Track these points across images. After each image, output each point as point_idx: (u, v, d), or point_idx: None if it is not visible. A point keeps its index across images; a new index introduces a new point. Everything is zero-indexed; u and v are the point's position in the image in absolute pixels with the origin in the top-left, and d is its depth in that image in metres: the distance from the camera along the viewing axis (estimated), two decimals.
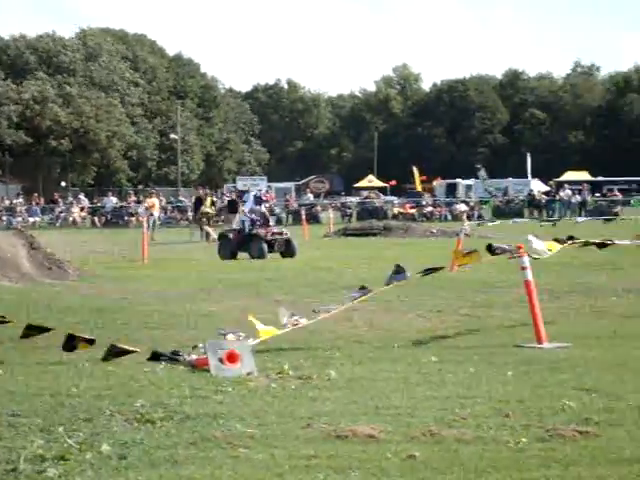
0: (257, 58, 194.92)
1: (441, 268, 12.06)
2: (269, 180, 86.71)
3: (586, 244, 13.70)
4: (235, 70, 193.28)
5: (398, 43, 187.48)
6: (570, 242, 13.07)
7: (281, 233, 27.53)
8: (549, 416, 7.21)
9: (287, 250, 26.92)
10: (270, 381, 8.67)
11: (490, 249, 11.76)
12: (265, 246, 26.57)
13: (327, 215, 51.78)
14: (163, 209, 57.25)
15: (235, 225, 29.27)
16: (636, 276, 18.94)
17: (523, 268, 11.33)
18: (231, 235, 28.00)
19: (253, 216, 27.61)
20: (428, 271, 11.90)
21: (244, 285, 18.73)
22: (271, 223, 30.02)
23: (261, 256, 26.02)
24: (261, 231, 27.01)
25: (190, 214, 51.11)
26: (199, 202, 39.84)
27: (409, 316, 13.73)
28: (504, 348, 10.74)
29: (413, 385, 8.53)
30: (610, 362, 9.58)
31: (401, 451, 6.19)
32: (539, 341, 10.86)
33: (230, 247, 27.39)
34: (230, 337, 10.16)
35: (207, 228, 37.50)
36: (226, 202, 44.51)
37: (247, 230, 27.20)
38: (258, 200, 29.08)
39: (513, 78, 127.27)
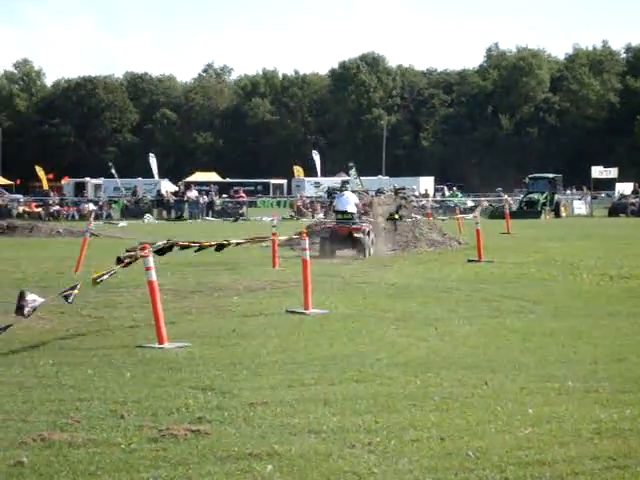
0: None
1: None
2: None
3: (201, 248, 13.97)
4: None
5: (18, 39, 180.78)
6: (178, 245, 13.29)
7: None
8: (164, 416, 7.29)
9: None
10: None
11: (119, 260, 11.67)
12: None
13: None
14: None
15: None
16: (256, 276, 19.54)
17: (147, 269, 11.34)
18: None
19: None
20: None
21: None
22: None
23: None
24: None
25: None
26: None
27: (30, 318, 13.32)
28: (125, 349, 10.73)
29: (28, 389, 8.32)
30: (227, 360, 9.83)
31: (9, 457, 6.03)
32: (160, 341, 10.93)
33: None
34: None
35: None
36: None
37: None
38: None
39: (141, 78, 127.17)
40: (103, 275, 11.32)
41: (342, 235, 24.69)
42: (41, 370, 9.27)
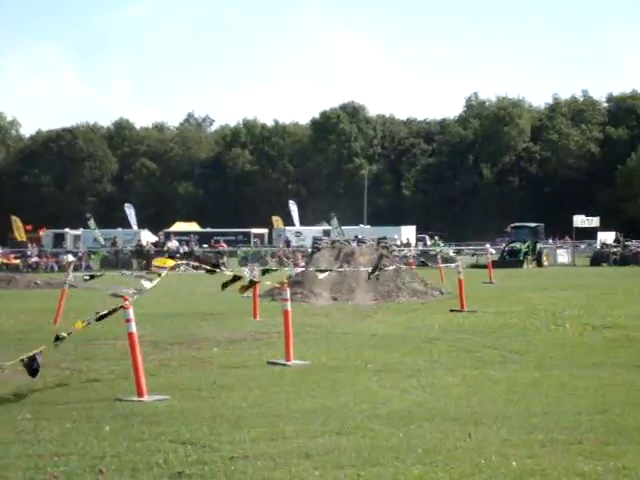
0: None
1: None
2: None
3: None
4: None
5: None
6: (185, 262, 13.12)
7: None
8: (144, 471, 7.17)
9: None
10: None
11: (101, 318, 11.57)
12: None
13: None
14: None
15: None
16: (237, 327, 19.41)
17: (127, 320, 11.21)
18: None
19: None
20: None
21: None
22: None
23: None
24: None
25: None
26: None
27: (5, 373, 13.16)
28: (104, 402, 10.59)
29: (5, 445, 8.19)
30: (207, 413, 9.70)
31: None
32: (140, 394, 10.80)
33: None
34: None
35: None
36: None
37: None
38: None
39: (121, 128, 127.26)
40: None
41: None
42: (19, 425, 9.13)
